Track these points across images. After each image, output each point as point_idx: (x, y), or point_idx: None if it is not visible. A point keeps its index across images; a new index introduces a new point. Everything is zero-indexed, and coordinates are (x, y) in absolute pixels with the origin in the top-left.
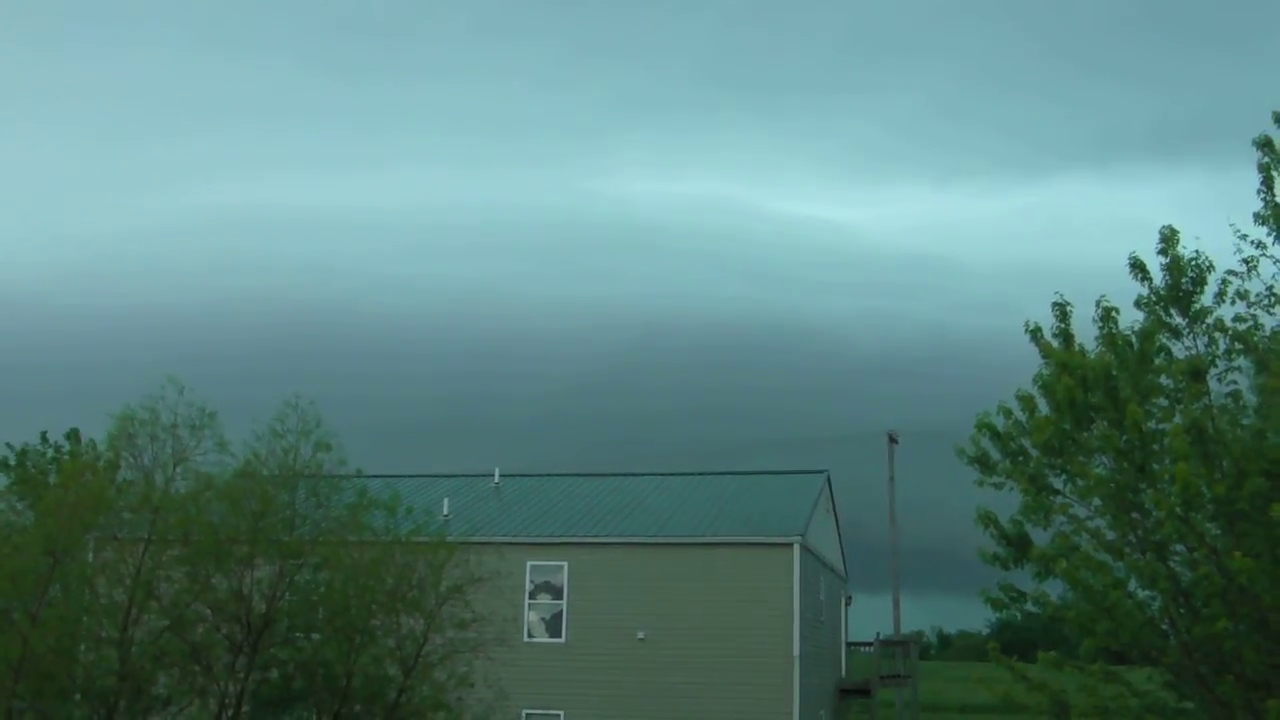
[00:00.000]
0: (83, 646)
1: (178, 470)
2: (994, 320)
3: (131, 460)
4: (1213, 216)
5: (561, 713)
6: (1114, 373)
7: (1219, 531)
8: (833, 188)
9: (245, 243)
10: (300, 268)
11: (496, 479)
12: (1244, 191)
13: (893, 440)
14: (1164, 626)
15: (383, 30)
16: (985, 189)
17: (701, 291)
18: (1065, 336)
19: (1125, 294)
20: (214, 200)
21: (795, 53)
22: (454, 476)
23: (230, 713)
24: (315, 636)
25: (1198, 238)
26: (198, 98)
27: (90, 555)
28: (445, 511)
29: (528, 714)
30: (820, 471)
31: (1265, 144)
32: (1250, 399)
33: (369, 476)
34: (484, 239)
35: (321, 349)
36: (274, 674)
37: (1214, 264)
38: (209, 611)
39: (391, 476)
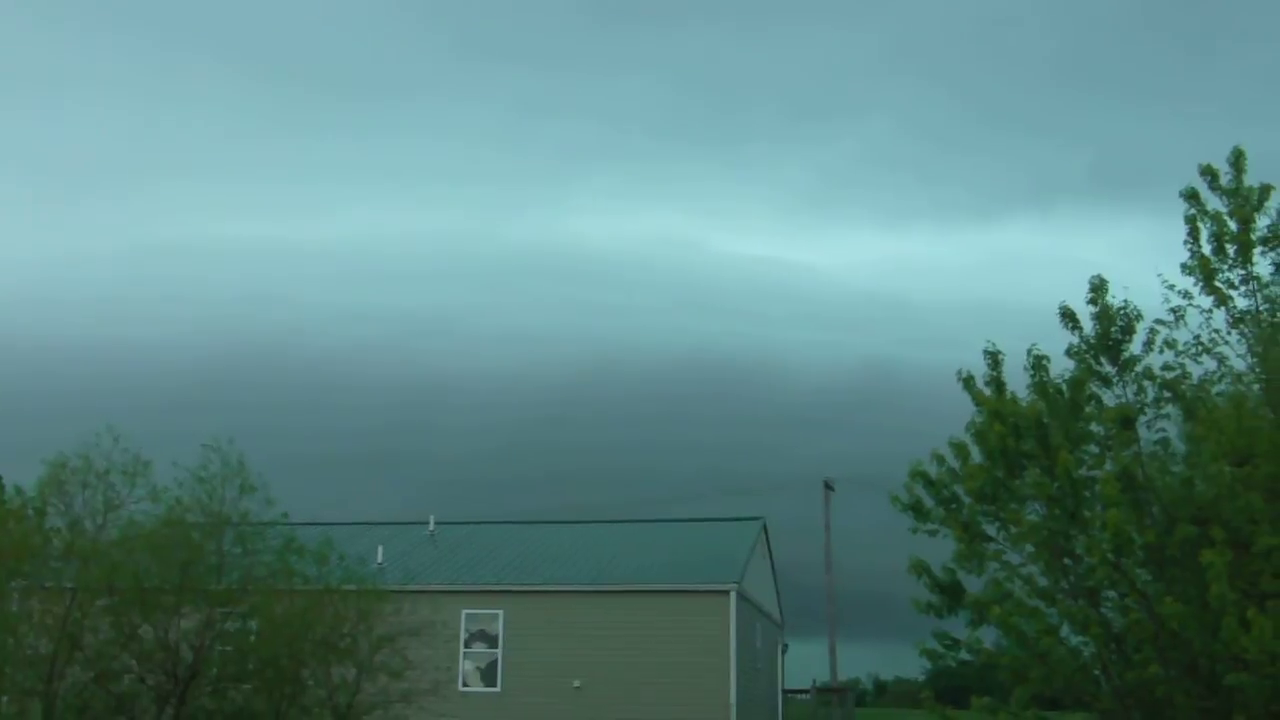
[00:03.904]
0: (4, 699)
1: (108, 518)
2: (941, 355)
3: (61, 507)
4: (1153, 261)
5: None
6: (1045, 420)
7: (1150, 577)
8: (781, 230)
9: (181, 271)
10: (239, 297)
11: (432, 526)
12: (1180, 239)
13: (829, 488)
14: (1096, 672)
15: (334, 82)
16: (929, 232)
17: (650, 324)
18: (997, 384)
19: (1064, 336)
20: (150, 229)
21: (743, 108)
22: (389, 524)
23: None
24: (245, 687)
25: (1126, 287)
26: (138, 140)
27: (15, 605)
28: (379, 559)
29: None
30: (756, 518)
31: (1192, 196)
32: (1179, 447)
33: (301, 524)
34: (429, 269)
35: (259, 380)
36: None
37: (1142, 313)
38: (135, 662)
39: (324, 524)
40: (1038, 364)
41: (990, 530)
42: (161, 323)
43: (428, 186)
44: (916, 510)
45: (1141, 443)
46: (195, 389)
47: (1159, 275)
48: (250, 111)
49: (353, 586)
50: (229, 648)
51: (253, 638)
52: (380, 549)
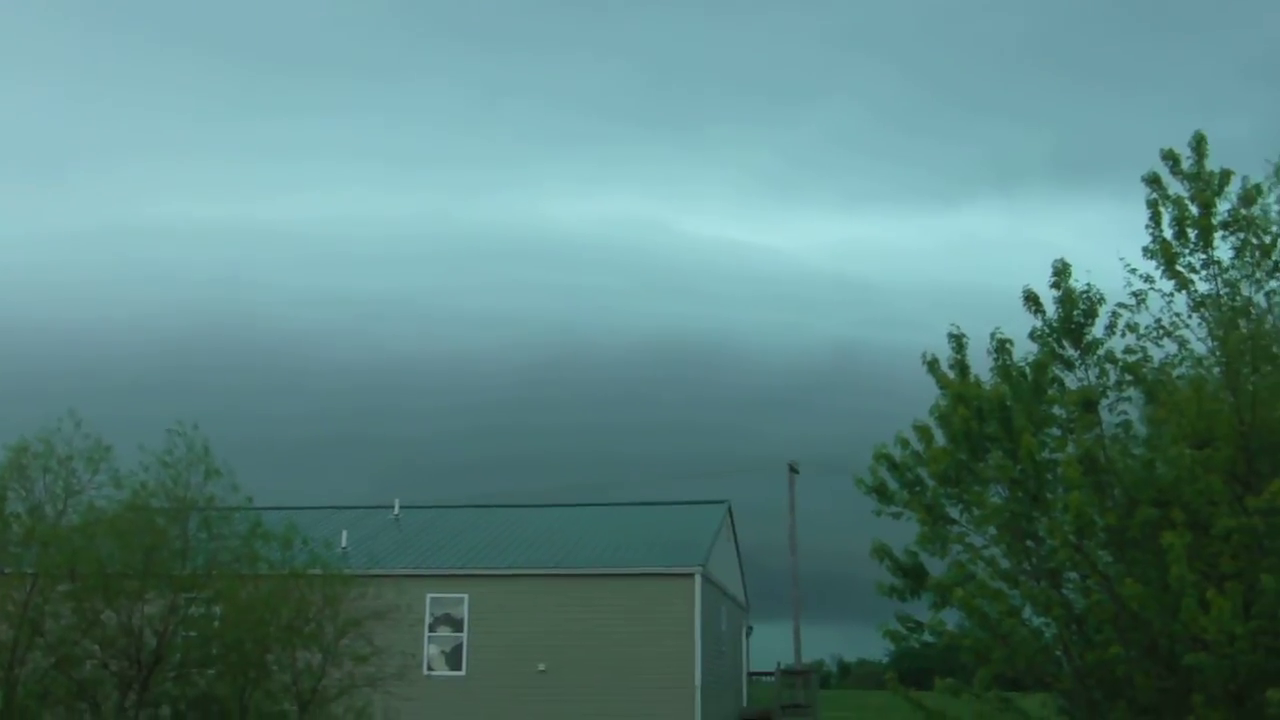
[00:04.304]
0: None
1: (69, 503)
2: (904, 337)
3: (22, 493)
4: (1115, 245)
5: None
6: (1008, 404)
7: (1111, 559)
8: (744, 212)
9: (144, 253)
10: (203, 280)
11: (396, 510)
12: (1142, 223)
13: (793, 470)
14: (1058, 653)
15: (300, 63)
16: (892, 214)
17: (613, 307)
18: (961, 367)
19: (1028, 319)
20: (114, 210)
21: (707, 91)
22: (353, 508)
23: None
24: (209, 672)
25: (1089, 270)
26: (103, 122)
27: None
28: (344, 543)
29: None
30: (721, 501)
31: (1154, 180)
32: (1140, 429)
33: (265, 508)
34: (394, 252)
35: (222, 363)
36: (165, 711)
37: (1105, 297)
38: (97, 648)
39: (289, 508)
40: (1001, 347)
41: (953, 513)
42: (124, 304)
43: (392, 169)
44: (880, 493)
45: (1103, 426)
46: (158, 372)
47: (1121, 259)
48: (215, 93)
49: (317, 571)
50: (193, 633)
51: (217, 623)
52: (345, 533)
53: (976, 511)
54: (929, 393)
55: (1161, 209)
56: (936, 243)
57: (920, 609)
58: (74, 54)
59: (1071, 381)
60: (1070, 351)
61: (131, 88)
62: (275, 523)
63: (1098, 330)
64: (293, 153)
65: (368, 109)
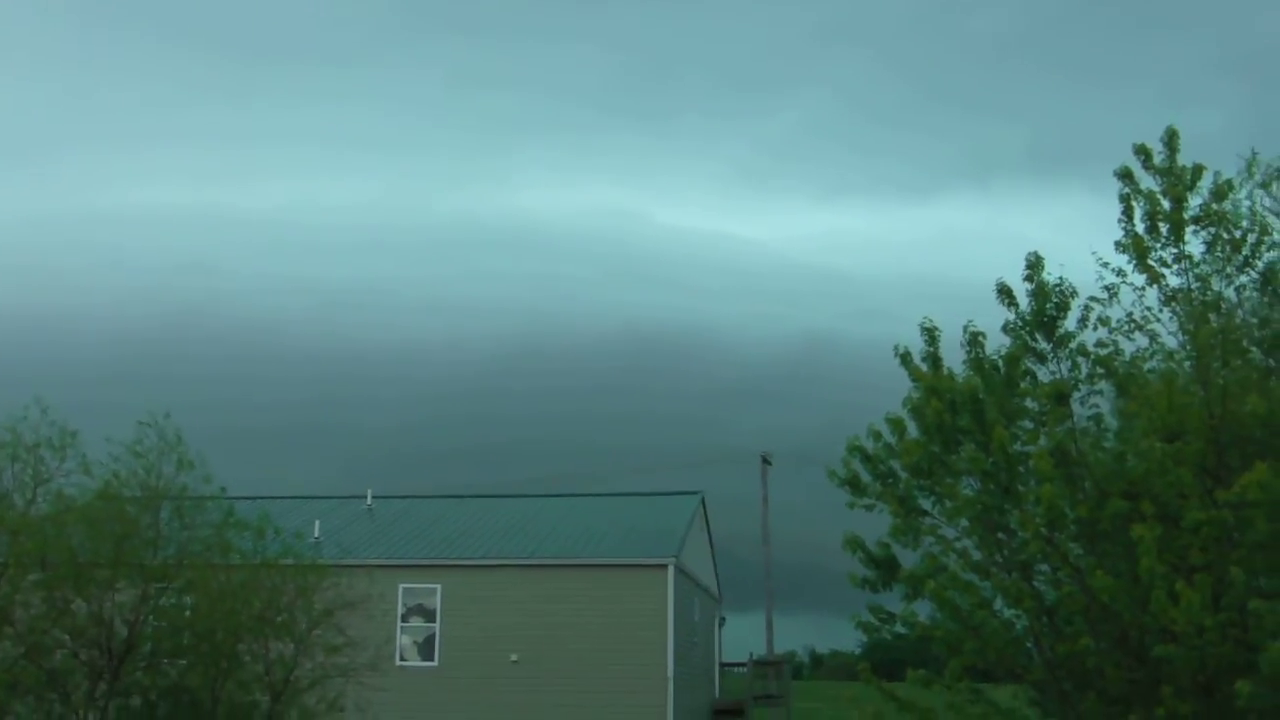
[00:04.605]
0: None
1: (39, 492)
2: (879, 329)
3: None
4: (1088, 238)
5: None
6: (981, 396)
7: (1082, 551)
8: (719, 203)
9: (111, 240)
10: (171, 267)
11: (369, 500)
12: (1114, 217)
13: (766, 462)
14: (1029, 644)
15: (266, 48)
16: (867, 206)
17: (587, 297)
18: (934, 360)
19: (1002, 311)
20: (75, 196)
21: (683, 81)
22: (325, 498)
23: None
24: (180, 662)
25: (1062, 264)
26: (62, 106)
27: None
28: (316, 533)
29: None
30: (694, 493)
31: (1126, 175)
32: (1111, 422)
33: (237, 498)
34: (363, 240)
35: (190, 352)
36: (136, 701)
37: (1077, 290)
38: (67, 637)
39: (261, 498)
40: (974, 340)
41: (926, 505)
42: (88, 291)
43: (360, 156)
44: (853, 485)
45: (1075, 419)
46: (125, 360)
47: (1093, 253)
48: (184, 79)
49: (290, 561)
50: (164, 623)
51: (188, 613)
52: (317, 523)
53: (949, 503)
54: (904, 385)
55: (1134, 203)
56: (912, 235)
57: (892, 600)
58: (36, 39)
59: (1044, 374)
60: (1043, 344)
61: (97, 72)
62: (247, 512)
63: (1070, 323)
64: (261, 139)
65: (338, 95)
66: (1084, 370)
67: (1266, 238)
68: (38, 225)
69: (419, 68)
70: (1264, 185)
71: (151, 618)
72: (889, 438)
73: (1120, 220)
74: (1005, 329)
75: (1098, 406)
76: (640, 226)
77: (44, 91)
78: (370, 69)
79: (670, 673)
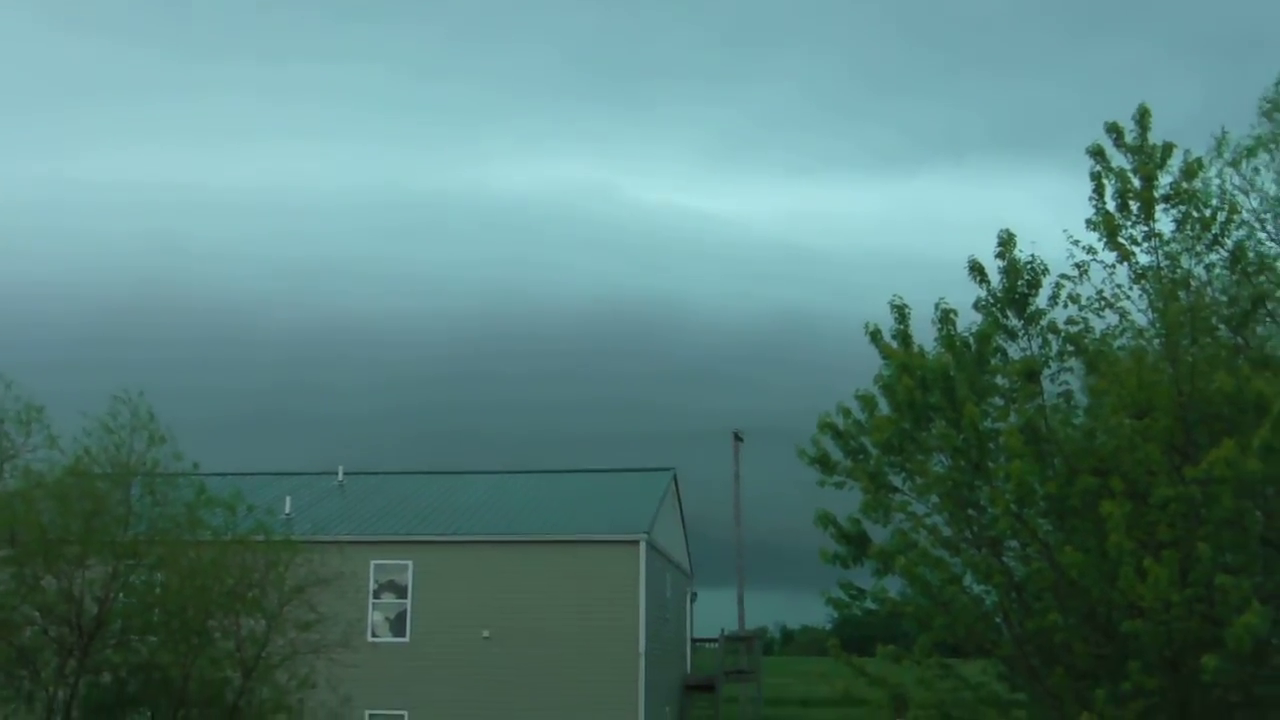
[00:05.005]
0: None
1: (6, 467)
2: (851, 306)
3: None
4: (1060, 216)
5: (406, 713)
6: (952, 373)
7: (1051, 527)
8: (691, 179)
9: (79, 217)
10: (139, 246)
11: (340, 477)
12: (1086, 195)
13: (738, 438)
14: (998, 620)
15: (243, 27)
16: (840, 183)
17: (559, 273)
18: (904, 338)
19: (974, 288)
20: (47, 168)
21: (663, 42)
22: (297, 474)
23: (59, 719)
24: (151, 639)
25: (1034, 241)
26: (45, 72)
27: None
28: (288, 510)
29: (371, 715)
30: (666, 469)
31: (1098, 152)
32: (1081, 399)
33: (208, 474)
34: (336, 217)
35: (158, 334)
36: (106, 678)
37: (1048, 268)
38: (37, 614)
39: (232, 474)
40: (945, 317)
41: (896, 481)
42: (57, 268)
43: (336, 131)
44: (823, 464)
45: (1045, 396)
46: (94, 340)
47: (1064, 231)
48: (156, 52)
49: (261, 537)
50: (134, 600)
51: (159, 589)
52: (288, 499)
53: (919, 480)
54: (876, 362)
55: (1105, 181)
56: (886, 212)
57: (863, 576)
58: (7, 4)
59: (1014, 351)
60: (1014, 322)
61: (64, 42)
62: (219, 488)
63: (1041, 301)
64: (233, 117)
65: (309, 73)
66: (1054, 347)
67: (1235, 216)
68: (3, 200)
69: (395, 43)
70: (1233, 164)
71: (122, 594)
72: (859, 415)
73: (1091, 198)
74: (976, 306)
75: (1067, 384)
76: (613, 203)
77: (9, 56)
78: (341, 43)
79: (642, 648)
